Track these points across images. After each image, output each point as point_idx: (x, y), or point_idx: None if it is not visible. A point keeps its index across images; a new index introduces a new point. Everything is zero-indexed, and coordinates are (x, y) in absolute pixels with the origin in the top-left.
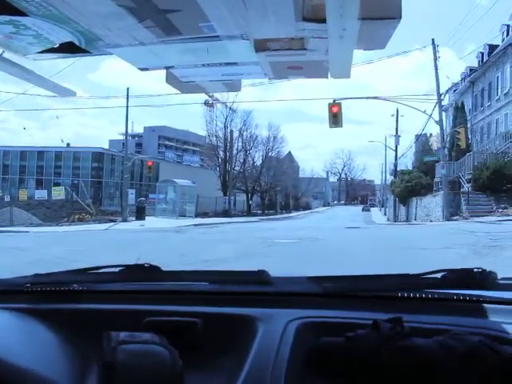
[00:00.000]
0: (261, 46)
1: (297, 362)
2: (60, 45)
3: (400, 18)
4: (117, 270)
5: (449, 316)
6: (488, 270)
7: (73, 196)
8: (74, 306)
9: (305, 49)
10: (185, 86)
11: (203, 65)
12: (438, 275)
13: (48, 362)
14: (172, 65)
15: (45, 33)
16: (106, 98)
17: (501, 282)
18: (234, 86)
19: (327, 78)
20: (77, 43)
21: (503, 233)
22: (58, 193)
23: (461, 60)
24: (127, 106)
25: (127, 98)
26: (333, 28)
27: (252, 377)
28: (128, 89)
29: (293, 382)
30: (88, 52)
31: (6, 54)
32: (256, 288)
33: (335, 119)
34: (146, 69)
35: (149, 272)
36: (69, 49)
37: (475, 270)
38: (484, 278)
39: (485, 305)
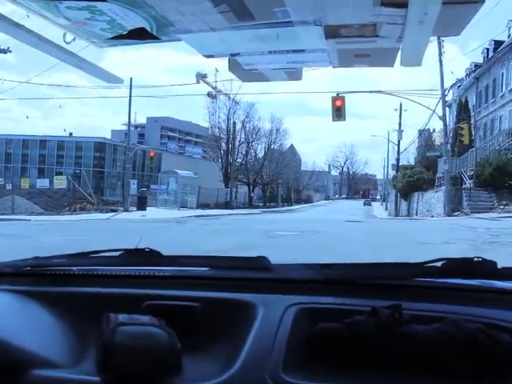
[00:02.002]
0: (331, 33)
1: (295, 347)
2: (129, 31)
3: (483, 1)
4: (117, 254)
5: (448, 304)
6: (488, 259)
7: (74, 185)
8: (74, 289)
9: (376, 35)
10: (247, 74)
11: (269, 52)
12: (438, 264)
13: (47, 343)
14: (238, 52)
15: (119, 18)
16: (109, 88)
17: (501, 271)
18: (296, 75)
19: (392, 66)
20: (148, 29)
21: (504, 229)
22: (60, 182)
23: (465, 56)
24: (130, 96)
25: (130, 88)
26: (413, 13)
27: (250, 360)
28: (131, 79)
29: (291, 366)
30: (157, 38)
31: (69, 38)
32: (256, 274)
33: (338, 113)
34: (212, 56)
35: (149, 256)
36: (138, 35)
37: (475, 259)
38: (484, 268)
39: (484, 294)
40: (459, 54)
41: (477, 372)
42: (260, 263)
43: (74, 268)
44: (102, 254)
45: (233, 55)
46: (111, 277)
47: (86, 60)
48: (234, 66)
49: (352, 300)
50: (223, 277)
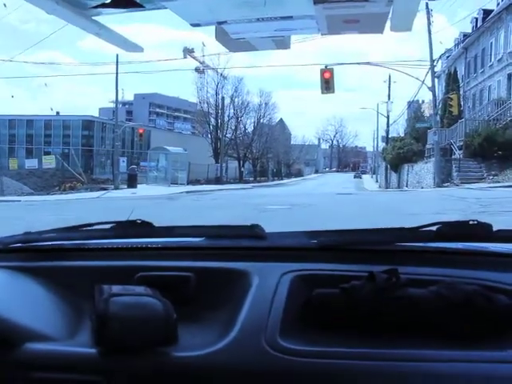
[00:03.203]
0: None
1: (292, 314)
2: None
3: None
4: (108, 226)
5: (444, 268)
6: (483, 221)
7: (63, 165)
8: (66, 263)
9: (366, 0)
10: (234, 44)
11: (257, 19)
12: (434, 228)
13: (40, 317)
14: (225, 20)
15: None
16: (95, 65)
17: (496, 234)
18: (284, 43)
19: (382, 33)
20: None
21: (493, 199)
22: (49, 161)
23: (454, 26)
24: (117, 73)
25: (117, 65)
26: None
27: (247, 327)
28: (117, 55)
29: (288, 332)
30: (141, 6)
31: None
32: (250, 242)
33: (327, 85)
34: (198, 24)
35: (141, 228)
36: (122, 3)
37: (470, 222)
38: (479, 231)
39: (480, 256)
40: (447, 24)
41: (475, 333)
42: (253, 231)
43: (66, 242)
44: (94, 227)
45: (220, 23)
46: (103, 249)
47: (106, 27)
48: (221, 35)
49: (347, 266)
50: (216, 246)
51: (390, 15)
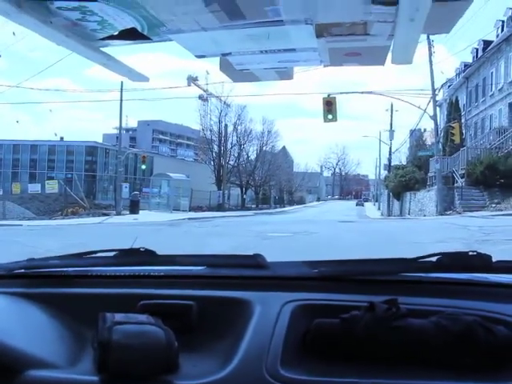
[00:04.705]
0: (322, 31)
1: (293, 344)
2: (121, 32)
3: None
4: (112, 254)
5: (444, 298)
6: (483, 253)
7: (66, 190)
8: (69, 290)
9: (367, 34)
10: (238, 74)
11: (261, 51)
12: (434, 259)
13: (43, 344)
14: (230, 51)
15: (110, 18)
16: (100, 92)
17: (495, 265)
18: (287, 74)
19: (383, 65)
20: (139, 29)
21: (495, 227)
22: (52, 186)
23: (455, 55)
24: (121, 100)
25: (121, 92)
26: (404, 10)
27: (248, 357)
28: (122, 82)
29: (289, 362)
30: (148, 38)
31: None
32: (252, 272)
33: (330, 113)
34: (203, 56)
35: (144, 256)
36: (129, 35)
37: (470, 253)
38: (479, 261)
39: (479, 287)
40: (448, 55)
41: (474, 364)
42: (255, 261)
43: (69, 269)
44: (97, 255)
45: (224, 55)
46: (106, 277)
47: (113, 58)
48: (226, 66)
49: (348, 296)
50: (219, 275)
51: (390, 48)
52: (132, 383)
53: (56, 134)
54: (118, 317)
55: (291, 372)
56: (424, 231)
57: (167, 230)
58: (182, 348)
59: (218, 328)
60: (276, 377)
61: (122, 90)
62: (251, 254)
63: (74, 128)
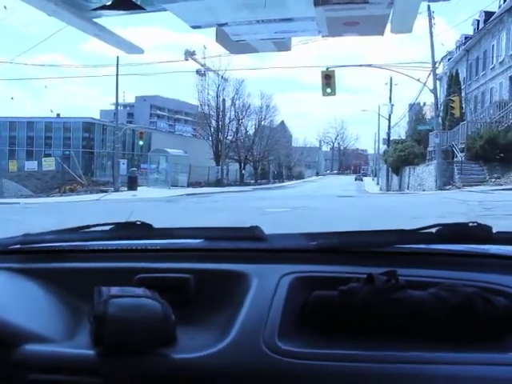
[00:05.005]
0: (320, 0)
1: (290, 316)
2: (113, 1)
3: None
4: (108, 228)
5: (443, 270)
6: (483, 223)
7: (63, 167)
8: (65, 265)
9: (366, 2)
10: (235, 46)
11: (257, 21)
12: (433, 230)
13: (40, 318)
14: (226, 22)
15: None
16: (96, 67)
17: (496, 236)
18: (284, 45)
19: (382, 35)
20: None
21: (496, 202)
22: (49, 164)
23: (455, 28)
24: (117, 75)
25: (117, 67)
26: None
27: (245, 330)
28: (118, 57)
29: (286, 334)
30: (142, 8)
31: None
32: (249, 244)
33: (328, 87)
34: (199, 26)
35: (141, 229)
36: (123, 5)
37: (470, 224)
38: (479, 232)
39: (479, 259)
40: (448, 27)
41: (473, 335)
42: (253, 233)
43: (65, 244)
44: (93, 229)
45: (220, 25)
46: (102, 251)
47: (106, 28)
48: (222, 37)
49: (347, 268)
50: (216, 248)
51: (390, 17)
52: (128, 356)
53: (52, 111)
54: (114, 290)
55: (288, 344)
56: (424, 206)
57: (165, 206)
58: (179, 321)
59: (216, 301)
60: (273, 349)
61: (117, 64)
62: (249, 226)
63: (71, 104)
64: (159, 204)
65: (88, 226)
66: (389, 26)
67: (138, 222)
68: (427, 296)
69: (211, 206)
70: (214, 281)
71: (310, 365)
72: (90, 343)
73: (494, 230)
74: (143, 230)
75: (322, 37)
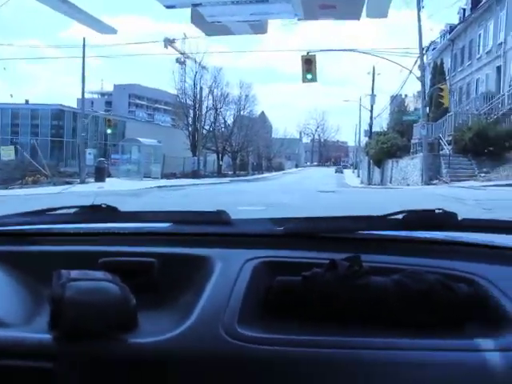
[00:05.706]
0: None
1: (252, 301)
2: None
3: None
4: (73, 211)
5: (408, 256)
6: (449, 210)
7: (24, 156)
8: (29, 248)
9: None
10: (210, 27)
11: (233, 2)
12: (400, 216)
13: None
14: (200, 2)
15: None
16: (74, 57)
17: (461, 222)
18: (260, 28)
19: (359, 19)
20: None
21: (494, 201)
22: (8, 153)
23: (439, 17)
24: (83, 57)
25: (83, 49)
26: None
27: (205, 314)
28: (84, 39)
29: (247, 320)
30: None
31: None
32: (215, 229)
33: (309, 73)
34: (173, 6)
35: (106, 213)
36: None
37: (436, 211)
38: (445, 219)
39: (443, 246)
40: (432, 16)
41: (434, 322)
42: (220, 217)
43: (28, 227)
44: (58, 212)
45: (195, 5)
46: (67, 234)
47: (75, 6)
48: (197, 18)
49: (312, 253)
50: (181, 232)
51: (366, 1)
52: (85, 340)
53: (12, 96)
54: (74, 274)
55: (248, 329)
56: (412, 204)
57: (126, 200)
58: (142, 305)
59: (180, 285)
60: (232, 334)
61: (84, 45)
62: (215, 210)
63: (48, 92)
64: (120, 198)
65: (53, 209)
66: (364, 12)
67: (104, 205)
68: (390, 282)
69: (179, 201)
70: (178, 265)
71: (269, 350)
72: (48, 327)
73: (460, 218)
74: (109, 213)
75: (298, 19)
